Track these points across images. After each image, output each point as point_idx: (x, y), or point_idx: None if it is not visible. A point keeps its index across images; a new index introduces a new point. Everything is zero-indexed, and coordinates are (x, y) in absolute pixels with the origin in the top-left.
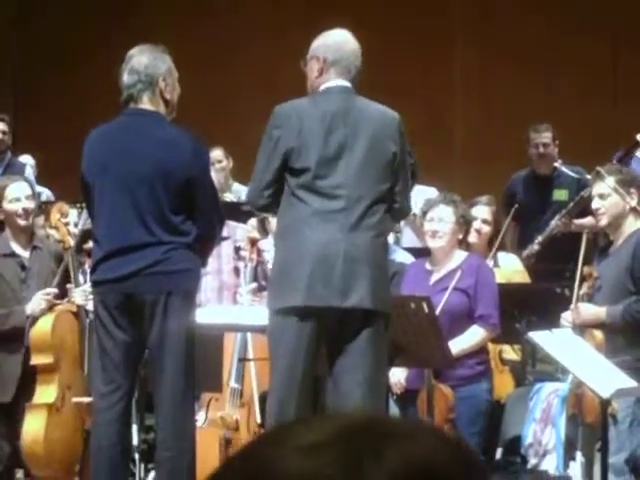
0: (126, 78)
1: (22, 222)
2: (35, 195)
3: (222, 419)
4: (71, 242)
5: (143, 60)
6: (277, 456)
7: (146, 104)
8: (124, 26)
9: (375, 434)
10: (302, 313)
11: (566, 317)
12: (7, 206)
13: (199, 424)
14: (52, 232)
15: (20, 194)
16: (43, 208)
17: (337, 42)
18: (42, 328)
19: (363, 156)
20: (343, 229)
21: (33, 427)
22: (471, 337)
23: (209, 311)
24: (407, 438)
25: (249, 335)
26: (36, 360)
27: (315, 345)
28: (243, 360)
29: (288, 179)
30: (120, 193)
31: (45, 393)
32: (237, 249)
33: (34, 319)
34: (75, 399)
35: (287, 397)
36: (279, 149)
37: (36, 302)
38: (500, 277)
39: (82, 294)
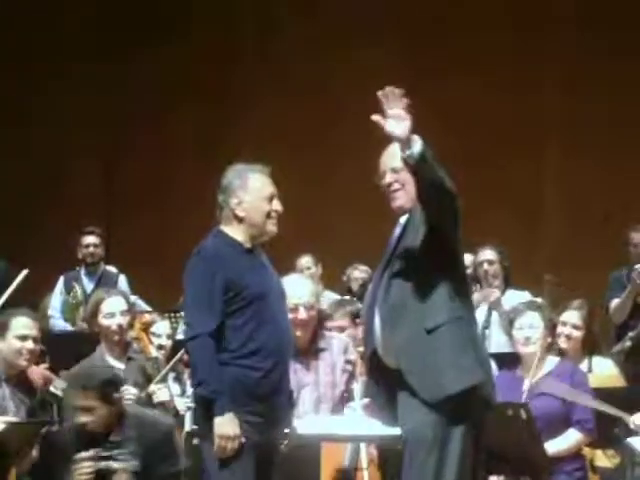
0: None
1: (116, 337)
2: (131, 308)
3: None
4: (153, 353)
5: (227, 177)
6: None
7: (224, 224)
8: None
9: None
10: None
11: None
12: (102, 321)
13: None
14: (134, 343)
15: (115, 309)
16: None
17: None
18: None
19: None
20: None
21: None
22: (567, 440)
23: (311, 422)
24: None
25: (362, 445)
26: None
27: None
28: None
29: None
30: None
31: None
32: (348, 362)
33: None
34: None
35: None
36: None
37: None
38: (594, 382)
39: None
